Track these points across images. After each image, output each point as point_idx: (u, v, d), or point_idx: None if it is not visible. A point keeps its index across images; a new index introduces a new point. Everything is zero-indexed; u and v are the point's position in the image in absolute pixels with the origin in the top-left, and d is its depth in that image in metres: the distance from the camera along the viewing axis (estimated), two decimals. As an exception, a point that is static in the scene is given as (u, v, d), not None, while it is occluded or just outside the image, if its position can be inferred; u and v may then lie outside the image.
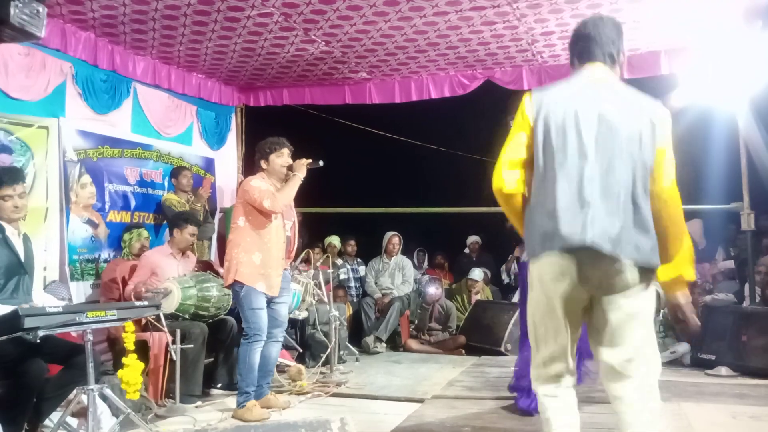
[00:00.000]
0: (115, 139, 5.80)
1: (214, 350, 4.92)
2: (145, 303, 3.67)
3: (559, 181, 2.42)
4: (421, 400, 4.54)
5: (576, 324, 2.48)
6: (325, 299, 5.69)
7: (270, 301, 4.29)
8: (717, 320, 5.71)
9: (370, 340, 6.73)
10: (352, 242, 7.85)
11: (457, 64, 6.33)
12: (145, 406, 4.16)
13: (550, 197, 2.42)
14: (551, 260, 2.40)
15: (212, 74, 6.69)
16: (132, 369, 3.56)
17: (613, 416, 3.69)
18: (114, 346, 4.65)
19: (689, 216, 7.39)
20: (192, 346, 4.49)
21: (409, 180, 9.53)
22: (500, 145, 2.60)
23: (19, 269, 3.51)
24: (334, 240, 7.76)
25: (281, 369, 5.13)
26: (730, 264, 7.11)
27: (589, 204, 2.37)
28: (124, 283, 4.96)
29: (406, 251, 7.89)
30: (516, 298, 6.93)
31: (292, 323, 5.71)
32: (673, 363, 5.81)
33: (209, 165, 6.99)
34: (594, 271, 2.37)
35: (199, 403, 4.53)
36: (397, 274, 7.41)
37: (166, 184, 6.24)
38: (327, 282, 5.94)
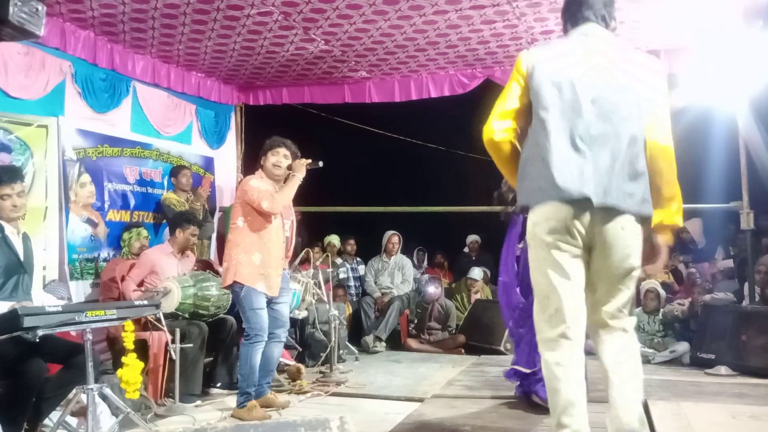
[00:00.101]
0: (115, 138, 5.79)
1: (214, 349, 4.91)
2: (145, 302, 3.66)
3: (553, 133, 2.45)
4: (420, 400, 4.54)
5: (577, 277, 2.49)
6: (325, 298, 5.68)
7: (271, 302, 4.27)
8: (716, 320, 5.71)
9: (369, 339, 6.73)
10: (352, 241, 7.85)
11: (457, 63, 6.32)
12: (145, 406, 4.15)
13: (544, 150, 2.46)
14: (546, 211, 2.44)
15: (212, 73, 6.68)
16: (131, 368, 3.56)
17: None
18: (113, 345, 4.65)
19: (689, 215, 7.42)
20: (191, 345, 4.49)
21: (408, 179, 9.53)
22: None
23: (19, 268, 3.50)
24: (334, 239, 7.76)
25: (281, 368, 5.13)
26: (730, 263, 7.12)
27: (583, 155, 2.42)
28: (123, 282, 4.95)
29: (406, 250, 7.89)
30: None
31: (292, 322, 5.70)
32: (672, 362, 5.82)
33: (209, 164, 6.98)
34: (588, 221, 2.42)
35: (198, 402, 4.53)
36: (397, 273, 7.41)
37: (165, 183, 6.24)
38: (326, 281, 5.93)
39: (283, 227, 4.36)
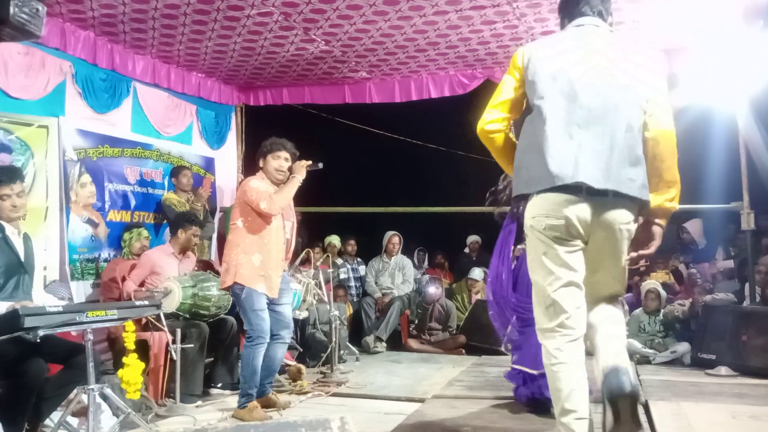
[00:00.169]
0: (115, 138, 5.80)
1: (215, 350, 4.91)
2: (146, 302, 3.67)
3: (549, 122, 2.48)
4: (421, 400, 4.54)
5: (576, 267, 2.52)
6: (326, 299, 5.68)
7: (272, 303, 4.25)
8: (717, 320, 5.71)
9: (370, 339, 6.73)
10: (352, 242, 7.85)
11: (457, 64, 6.33)
12: (146, 406, 4.15)
13: (539, 138, 2.48)
14: (545, 206, 2.46)
15: (212, 73, 6.69)
16: (132, 368, 3.56)
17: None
18: (114, 345, 4.65)
19: (689, 216, 7.43)
20: (192, 345, 4.49)
21: (409, 179, 9.53)
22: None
23: (19, 269, 3.50)
24: (334, 240, 7.77)
25: (281, 369, 5.12)
26: (730, 264, 7.12)
27: (579, 143, 2.43)
28: (124, 282, 4.95)
29: (406, 251, 7.89)
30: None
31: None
32: (673, 363, 5.82)
33: (209, 164, 6.98)
34: (587, 215, 2.44)
35: (199, 402, 4.53)
36: (398, 273, 7.41)
37: (166, 183, 6.24)
38: (327, 282, 5.93)
39: (284, 229, 4.34)
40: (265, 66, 6.39)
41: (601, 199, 2.42)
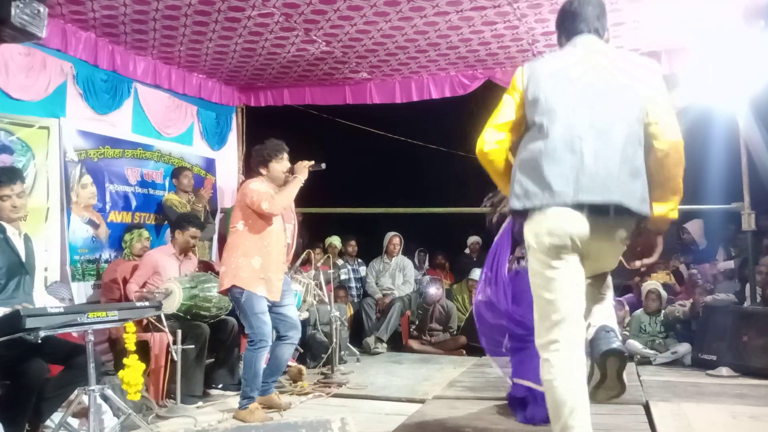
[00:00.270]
0: (116, 139, 5.80)
1: (215, 350, 4.92)
2: (146, 303, 3.67)
3: (549, 139, 2.47)
4: (422, 401, 4.54)
5: (576, 279, 2.52)
6: (326, 300, 5.69)
7: (275, 305, 4.22)
8: (718, 320, 5.72)
9: (370, 340, 6.73)
10: (353, 242, 7.85)
11: (458, 64, 6.33)
12: (146, 407, 4.16)
13: (539, 155, 2.47)
14: (545, 224, 2.46)
15: (213, 74, 6.69)
16: (133, 369, 3.57)
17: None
18: (115, 346, 4.65)
19: (690, 216, 7.43)
20: (193, 346, 4.50)
21: (409, 180, 9.54)
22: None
23: (20, 269, 3.50)
24: (335, 240, 7.76)
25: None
26: (731, 264, 7.11)
27: (580, 158, 2.43)
28: (125, 283, 4.95)
29: (407, 251, 7.88)
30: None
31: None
32: (674, 363, 5.82)
33: (210, 165, 6.99)
34: (587, 231, 2.43)
35: (200, 403, 4.54)
36: (398, 274, 7.41)
37: (167, 184, 6.24)
38: (328, 282, 5.94)
39: (284, 231, 4.33)
40: (265, 67, 6.40)
41: (603, 216, 2.42)
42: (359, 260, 7.82)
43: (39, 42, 4.00)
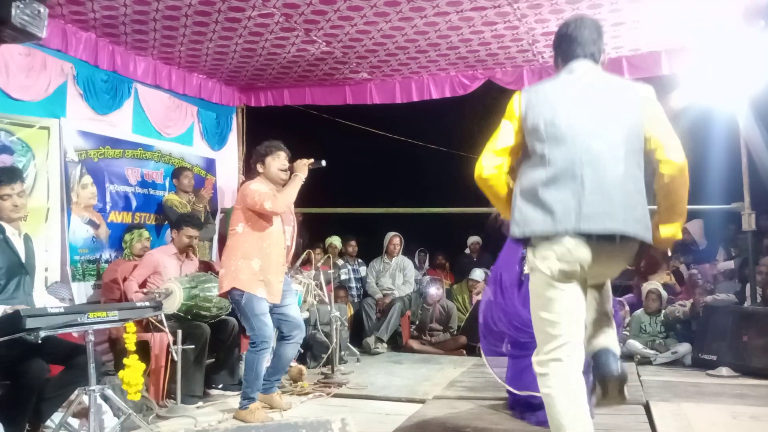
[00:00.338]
0: (116, 139, 5.80)
1: (216, 351, 4.91)
2: (147, 303, 3.67)
3: (549, 168, 2.47)
4: (422, 401, 4.54)
5: (578, 300, 2.54)
6: (326, 300, 5.69)
7: (276, 306, 4.21)
8: (718, 320, 5.72)
9: (371, 340, 6.73)
10: (353, 243, 7.85)
11: (458, 65, 6.33)
12: (147, 407, 4.16)
13: (541, 184, 2.48)
14: (553, 250, 2.46)
15: (213, 75, 6.69)
16: (133, 370, 3.57)
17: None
18: (115, 346, 4.65)
19: (690, 216, 7.41)
20: (193, 346, 4.50)
21: (409, 180, 9.53)
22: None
23: (20, 269, 3.51)
24: (335, 240, 7.76)
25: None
26: (731, 264, 7.11)
27: (581, 187, 2.43)
28: (126, 281, 4.96)
29: (407, 252, 7.88)
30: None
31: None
32: (674, 363, 5.82)
33: (210, 165, 6.99)
34: (589, 251, 2.44)
35: (200, 403, 4.54)
36: (398, 274, 7.41)
37: (167, 184, 6.25)
38: (328, 282, 5.94)
39: (284, 233, 4.31)
40: (266, 67, 6.40)
41: (606, 242, 2.43)
42: (359, 260, 7.82)
43: (39, 42, 4.00)
